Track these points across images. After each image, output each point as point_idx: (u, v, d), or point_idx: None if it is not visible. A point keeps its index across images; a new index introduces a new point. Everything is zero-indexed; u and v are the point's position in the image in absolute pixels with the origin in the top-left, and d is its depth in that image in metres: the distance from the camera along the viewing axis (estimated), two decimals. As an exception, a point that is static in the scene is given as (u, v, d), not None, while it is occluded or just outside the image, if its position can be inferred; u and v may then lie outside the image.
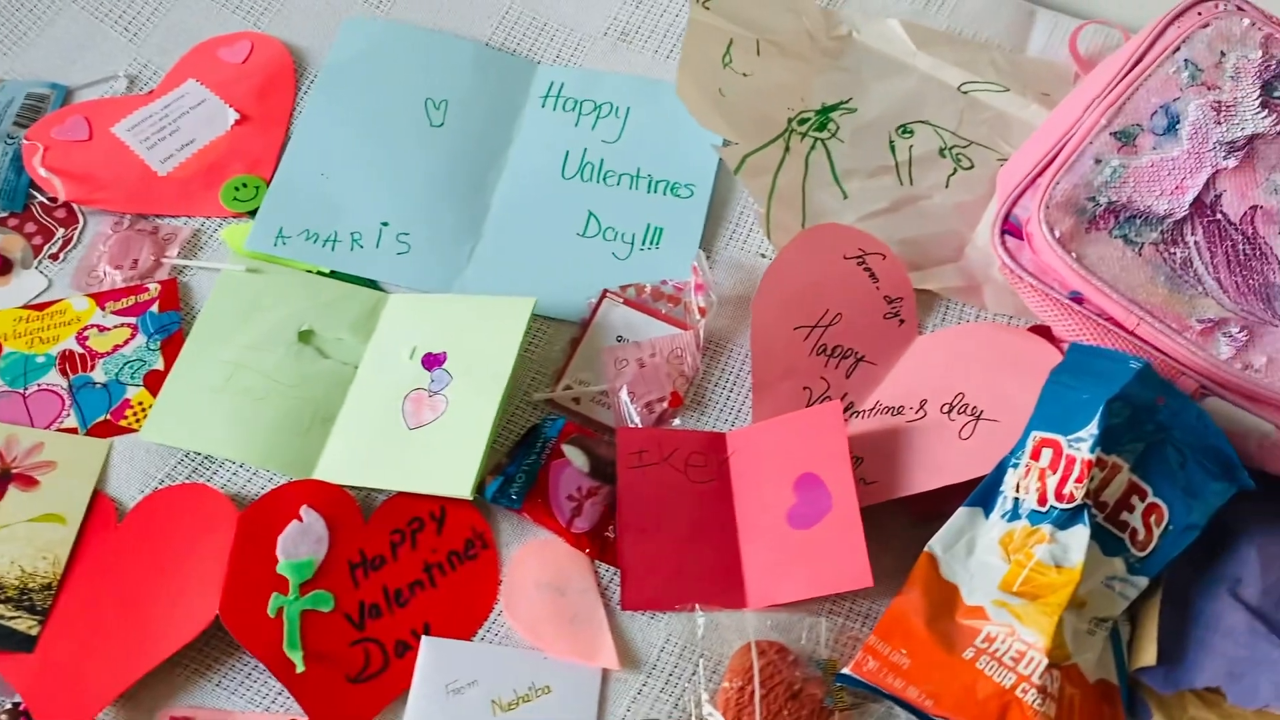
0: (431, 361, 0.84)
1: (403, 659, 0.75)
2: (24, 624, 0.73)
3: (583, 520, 0.80)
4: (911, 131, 0.97)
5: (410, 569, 0.78)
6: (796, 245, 0.87)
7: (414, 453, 0.80)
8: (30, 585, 0.75)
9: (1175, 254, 0.82)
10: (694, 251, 0.90)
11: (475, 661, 0.75)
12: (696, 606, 0.76)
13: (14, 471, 0.79)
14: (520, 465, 0.82)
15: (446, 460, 0.79)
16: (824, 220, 0.91)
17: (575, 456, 0.82)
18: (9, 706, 0.71)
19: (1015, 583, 0.73)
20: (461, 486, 0.77)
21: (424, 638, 0.75)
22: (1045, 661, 0.69)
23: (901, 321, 0.89)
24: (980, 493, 0.77)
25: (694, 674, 0.75)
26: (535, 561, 0.79)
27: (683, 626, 0.77)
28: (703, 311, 0.87)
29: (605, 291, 0.89)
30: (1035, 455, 0.75)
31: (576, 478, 0.81)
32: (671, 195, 0.94)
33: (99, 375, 0.84)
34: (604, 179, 0.95)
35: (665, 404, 0.85)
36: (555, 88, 1.00)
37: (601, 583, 0.79)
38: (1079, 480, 0.72)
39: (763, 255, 0.92)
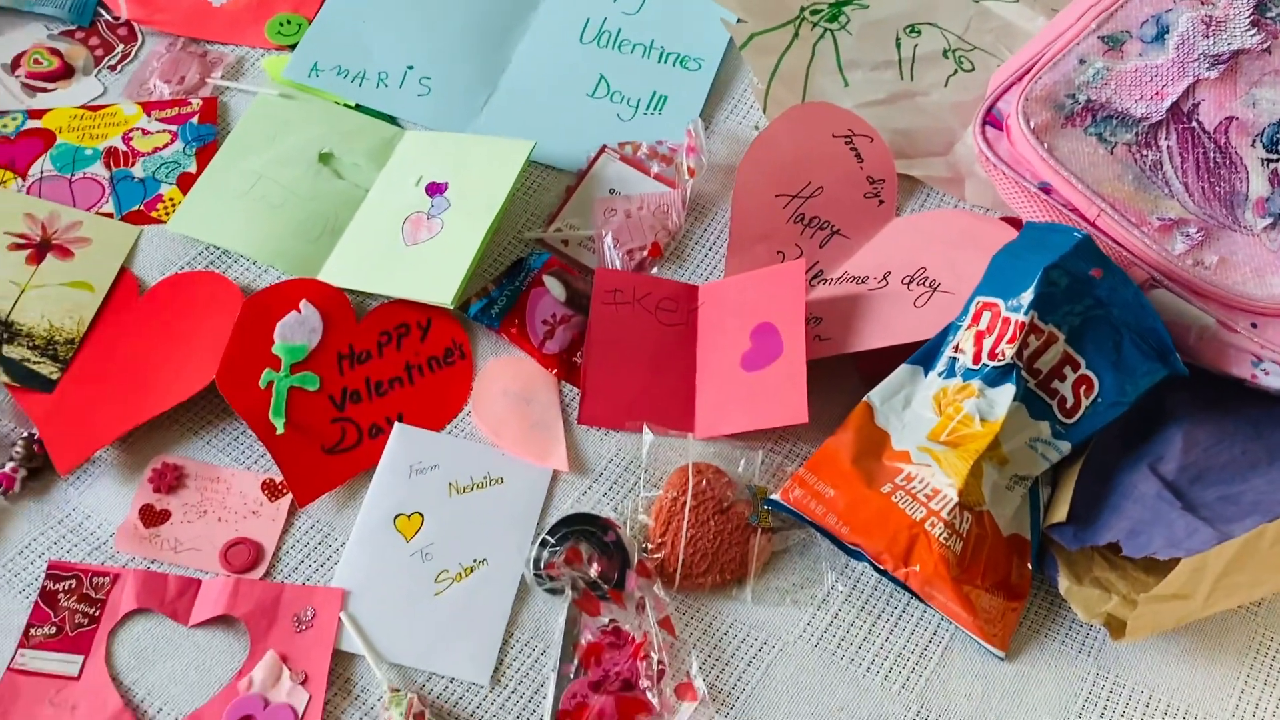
0: (434, 189, 0.91)
1: (375, 440, 0.82)
2: (46, 369, 0.83)
3: (553, 343, 0.87)
4: (919, 32, 1.01)
5: (392, 366, 0.85)
6: (788, 117, 0.92)
7: (407, 265, 0.87)
8: (56, 338, 0.84)
9: (1146, 156, 0.85)
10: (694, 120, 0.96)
11: (439, 449, 0.82)
12: (645, 426, 0.83)
13: (53, 242, 0.88)
14: (503, 290, 0.88)
15: (434, 273, 0.86)
16: (821, 102, 0.96)
17: (554, 286, 0.88)
18: (25, 436, 0.80)
19: (942, 433, 0.78)
20: (444, 295, 0.84)
21: (396, 423, 0.83)
22: (955, 500, 0.74)
23: (880, 202, 0.94)
24: (923, 353, 0.82)
25: (635, 484, 0.82)
26: (506, 373, 0.86)
27: (631, 444, 0.84)
28: (692, 172, 0.92)
29: (604, 146, 0.95)
30: (976, 319, 0.80)
31: (552, 305, 0.88)
32: (680, 67, 1.00)
33: (138, 171, 0.93)
34: (618, 46, 1.01)
35: (645, 253, 0.91)
36: (587, -38, 1.06)
37: (564, 400, 0.85)
38: (1010, 340, 0.77)
39: (757, 128, 0.97)
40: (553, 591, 0.77)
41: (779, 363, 0.82)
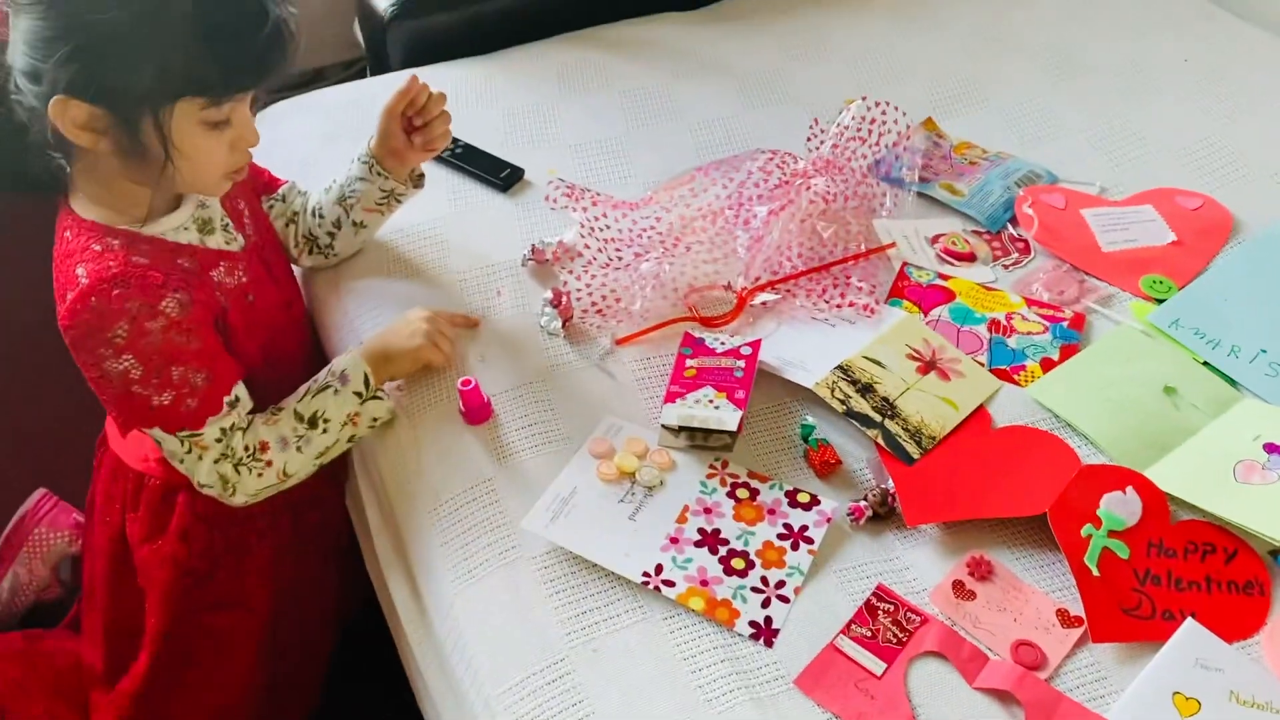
0: (1272, 449, 1.00)
1: (1167, 622, 0.90)
2: (911, 448, 1.02)
3: (1364, 622, 0.89)
4: None
5: (1192, 572, 0.93)
6: None
7: (1236, 496, 0.96)
8: (923, 431, 1.04)
9: None
10: None
11: (1228, 658, 0.87)
12: None
13: (937, 365, 1.10)
14: (1319, 556, 0.93)
15: (1268, 511, 0.93)
16: None
17: (1379, 573, 0.91)
18: (882, 489, 0.99)
19: None
20: (1277, 529, 0.91)
21: (1189, 618, 0.90)
22: None
23: None
24: None
25: None
26: (1305, 627, 0.90)
27: None
28: None
29: None
30: None
31: (1372, 589, 0.91)
32: None
33: (1011, 343, 1.13)
34: None
35: None
36: None
37: (1359, 677, 0.87)
38: None
39: None
40: (1322, 835, 0.77)
41: None
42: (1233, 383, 1.10)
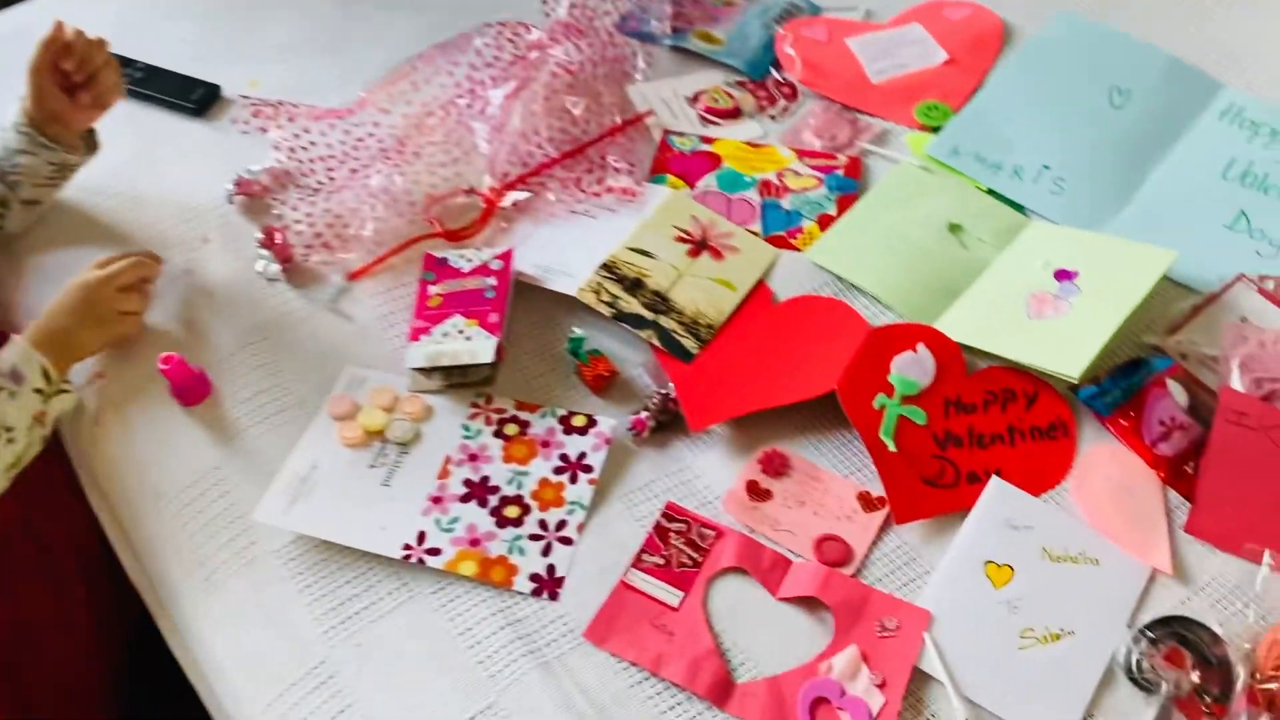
0: (1063, 275, 0.93)
1: (971, 486, 0.84)
2: (689, 343, 0.92)
3: (1167, 446, 0.85)
4: None
5: (994, 424, 0.87)
6: None
7: (1030, 335, 0.90)
8: (699, 320, 0.94)
9: None
10: (1341, 272, 0.92)
11: (1037, 512, 0.82)
12: (1266, 554, 0.78)
13: (709, 243, 0.99)
14: (1118, 384, 0.88)
15: (1061, 347, 0.87)
16: None
17: (1178, 392, 0.87)
18: (662, 393, 0.89)
19: None
20: (1073, 367, 0.85)
21: (994, 477, 0.84)
22: None
23: None
24: None
25: (1242, 610, 0.77)
26: (1110, 461, 0.85)
27: (1238, 569, 0.79)
28: (1342, 319, 0.88)
29: (1241, 275, 0.93)
30: None
31: (1172, 409, 0.86)
32: (1335, 222, 0.97)
33: (785, 203, 1.03)
34: (1265, 189, 1.00)
35: (1277, 384, 0.87)
36: (1236, 109, 1.07)
37: (1168, 505, 0.83)
38: None
39: None
40: (1143, 686, 0.73)
41: None
42: (1020, 208, 1.03)
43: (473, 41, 1.11)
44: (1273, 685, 0.72)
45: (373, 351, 0.93)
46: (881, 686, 0.74)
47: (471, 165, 1.05)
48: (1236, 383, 0.87)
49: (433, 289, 0.95)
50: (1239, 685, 0.72)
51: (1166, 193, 1.02)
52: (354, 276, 0.98)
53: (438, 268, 0.96)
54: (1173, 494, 0.83)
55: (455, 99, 1.07)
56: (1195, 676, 0.73)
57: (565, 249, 0.99)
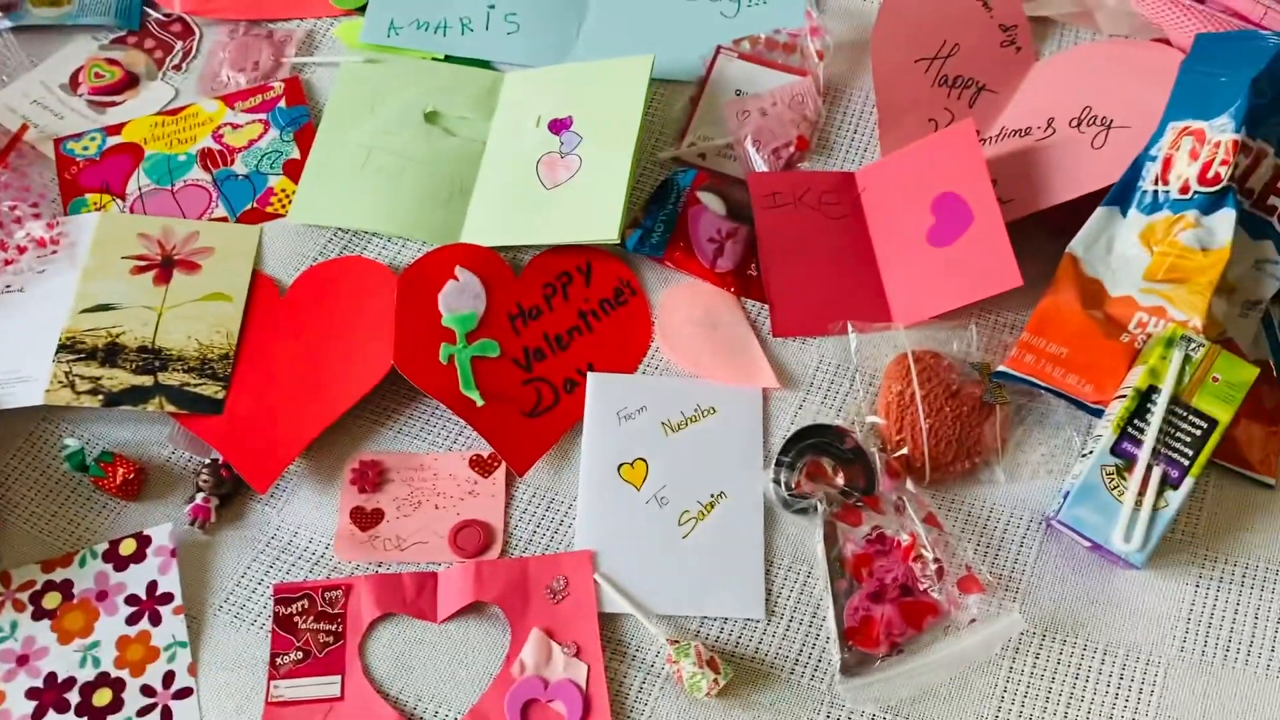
0: (558, 126, 0.85)
1: (572, 394, 0.77)
2: (210, 389, 0.77)
3: (725, 259, 0.82)
4: None
5: (566, 317, 0.80)
6: (909, -21, 0.86)
7: (556, 209, 0.82)
8: (209, 355, 0.78)
9: (1302, -55, 0.81)
10: (800, 3, 0.90)
11: (641, 390, 0.77)
12: (849, 326, 0.78)
13: (175, 258, 0.82)
14: (657, 217, 0.83)
15: (588, 210, 0.81)
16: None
17: (711, 201, 0.83)
18: (208, 463, 0.75)
19: (1160, 271, 0.74)
20: (608, 230, 0.79)
21: (589, 374, 0.78)
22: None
23: (1018, 49, 0.89)
24: (1117, 191, 0.78)
25: (850, 387, 0.78)
26: (684, 301, 0.81)
27: (834, 347, 0.79)
28: (820, 55, 0.87)
29: (719, 47, 0.90)
30: (1174, 145, 0.76)
31: (715, 221, 0.83)
32: (774, -49, 0.94)
33: (240, 168, 0.86)
34: (704, -57, 0.95)
35: (792, 148, 0.86)
36: None
37: (750, 316, 0.81)
38: (1224, 162, 0.72)
39: (871, -1, 0.92)
40: (803, 511, 0.73)
41: (972, 230, 0.78)
42: (487, 64, 0.92)
43: None
44: (903, 450, 0.74)
45: None
46: (578, 654, 0.69)
47: None
48: (758, 163, 0.85)
49: None
50: (879, 467, 0.73)
51: (616, -13, 0.94)
52: None
53: None
54: (753, 305, 0.82)
55: None
56: (841, 480, 0.73)
57: (7, 349, 0.78)
